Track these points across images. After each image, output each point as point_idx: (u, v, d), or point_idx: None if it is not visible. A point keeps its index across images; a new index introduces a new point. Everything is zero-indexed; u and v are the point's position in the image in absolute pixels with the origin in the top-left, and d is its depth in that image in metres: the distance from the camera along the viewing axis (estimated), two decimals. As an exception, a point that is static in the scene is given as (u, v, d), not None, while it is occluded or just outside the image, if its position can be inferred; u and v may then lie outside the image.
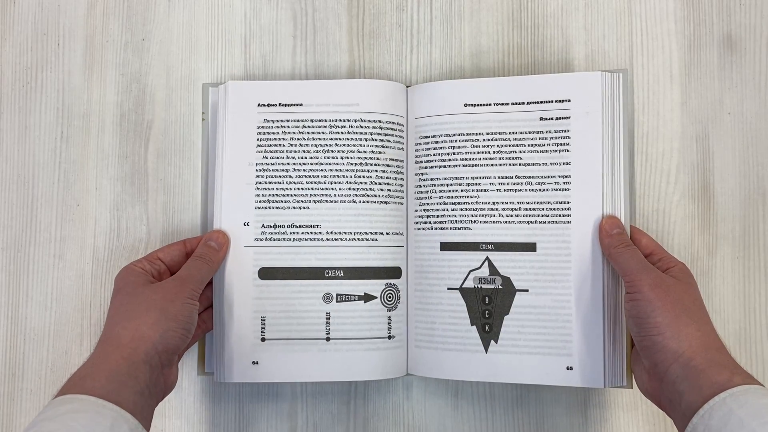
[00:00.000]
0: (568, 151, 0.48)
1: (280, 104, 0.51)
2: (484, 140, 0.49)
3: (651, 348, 0.41)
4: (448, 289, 0.49)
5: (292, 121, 0.51)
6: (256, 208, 0.50)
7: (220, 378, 0.49)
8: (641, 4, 0.54)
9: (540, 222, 0.48)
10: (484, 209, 0.49)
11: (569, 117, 0.48)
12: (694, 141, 0.53)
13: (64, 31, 0.56)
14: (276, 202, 0.50)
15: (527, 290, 0.48)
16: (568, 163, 0.48)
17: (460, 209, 0.49)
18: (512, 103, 0.49)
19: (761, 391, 0.37)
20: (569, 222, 0.48)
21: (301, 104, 0.51)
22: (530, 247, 0.48)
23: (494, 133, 0.49)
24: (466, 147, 0.49)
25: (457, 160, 0.49)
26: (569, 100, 0.48)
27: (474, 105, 0.50)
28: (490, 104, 0.50)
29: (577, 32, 0.54)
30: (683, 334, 0.41)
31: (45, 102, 0.56)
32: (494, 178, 0.49)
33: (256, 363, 0.49)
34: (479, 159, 0.49)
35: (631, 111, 0.51)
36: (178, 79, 0.55)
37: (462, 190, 0.49)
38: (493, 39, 0.54)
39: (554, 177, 0.48)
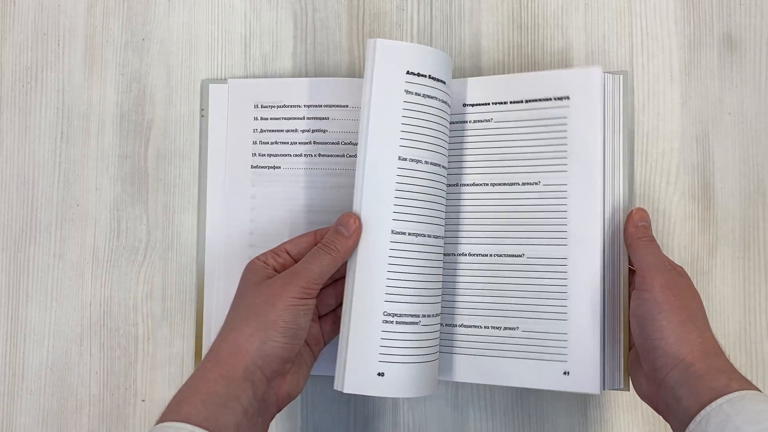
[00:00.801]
0: (565, 150, 0.48)
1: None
2: (481, 141, 0.49)
3: (652, 352, 0.41)
4: None
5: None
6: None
7: (339, 386, 0.43)
8: (641, 4, 0.54)
9: (537, 222, 0.48)
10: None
11: (566, 116, 0.48)
12: (694, 141, 0.53)
13: (64, 31, 0.56)
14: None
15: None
16: (565, 162, 0.48)
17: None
18: (510, 102, 0.49)
19: (758, 397, 0.36)
20: (566, 224, 0.48)
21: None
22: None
23: (492, 133, 0.49)
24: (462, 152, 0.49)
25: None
26: (568, 97, 0.48)
27: (472, 105, 0.50)
28: (489, 104, 0.49)
29: (577, 32, 0.54)
30: (686, 340, 0.40)
31: (45, 102, 0.56)
32: (488, 176, 0.49)
33: (382, 374, 0.42)
34: (473, 160, 0.49)
35: (631, 113, 0.51)
36: (178, 78, 0.55)
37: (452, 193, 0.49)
38: (493, 39, 0.54)
39: (552, 175, 0.48)
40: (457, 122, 0.50)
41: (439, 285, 0.46)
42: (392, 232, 0.43)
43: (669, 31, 0.53)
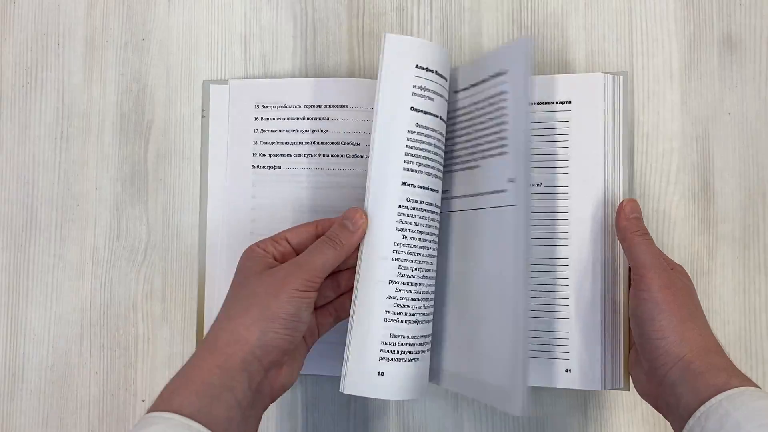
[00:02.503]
0: (567, 152, 0.48)
1: (437, 72, 0.45)
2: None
3: (653, 351, 0.41)
4: None
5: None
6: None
7: (344, 388, 0.42)
8: (641, 4, 0.54)
9: (538, 223, 0.48)
10: None
11: (569, 120, 0.48)
12: (694, 141, 0.53)
13: (64, 31, 0.56)
14: None
15: None
16: (567, 164, 0.48)
17: None
18: None
19: (757, 393, 0.37)
20: (568, 225, 0.48)
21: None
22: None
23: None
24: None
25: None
26: (570, 102, 0.48)
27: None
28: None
29: (577, 32, 0.54)
30: (686, 338, 0.40)
31: (45, 102, 0.56)
32: None
33: (382, 374, 0.42)
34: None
35: (631, 113, 0.51)
36: (178, 79, 0.55)
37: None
38: (493, 39, 0.54)
39: (554, 176, 0.48)
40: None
41: (433, 285, 0.46)
42: (396, 229, 0.42)
43: (669, 31, 0.53)
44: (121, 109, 0.55)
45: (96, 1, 0.56)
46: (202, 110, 0.53)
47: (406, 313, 0.42)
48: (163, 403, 0.35)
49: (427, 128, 0.43)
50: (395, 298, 0.42)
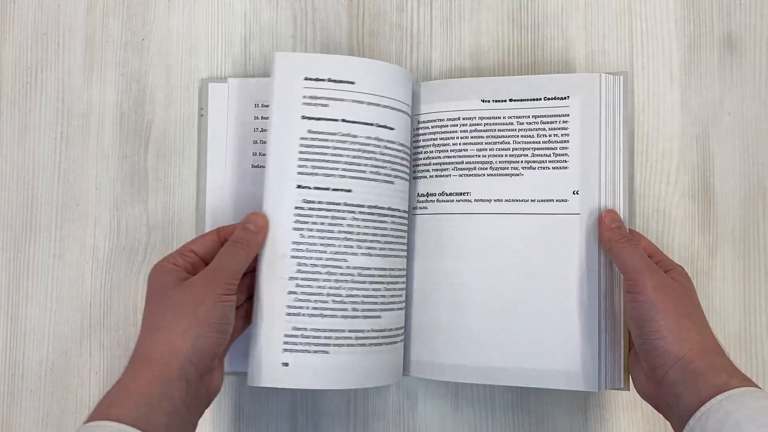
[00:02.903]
0: (566, 151, 0.48)
1: (329, 80, 0.46)
2: (483, 141, 0.49)
3: (652, 351, 0.41)
4: None
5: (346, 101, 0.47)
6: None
7: (252, 381, 0.44)
8: (641, 4, 0.54)
9: (536, 223, 0.48)
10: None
11: (568, 119, 0.48)
12: (694, 141, 0.53)
13: (64, 31, 0.56)
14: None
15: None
16: (566, 163, 0.48)
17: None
18: (510, 100, 0.49)
19: (758, 394, 0.36)
20: (566, 224, 0.48)
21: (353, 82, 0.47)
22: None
23: (492, 133, 0.49)
24: (465, 149, 0.49)
25: (449, 168, 0.50)
26: (567, 97, 0.48)
27: (485, 101, 0.50)
28: (489, 101, 0.49)
29: (577, 32, 0.54)
30: (684, 338, 0.40)
31: (45, 102, 0.56)
32: (490, 177, 0.49)
33: (286, 365, 0.44)
34: (474, 161, 0.49)
35: (631, 113, 0.51)
36: (178, 79, 0.55)
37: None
38: (493, 39, 0.54)
39: (552, 174, 0.48)
40: (462, 118, 0.50)
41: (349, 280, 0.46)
42: (293, 229, 0.45)
43: (669, 31, 0.53)
44: (120, 109, 0.55)
45: (96, 1, 0.56)
46: (200, 109, 0.53)
47: (308, 307, 0.44)
48: (100, 414, 0.35)
49: (324, 132, 0.45)
50: (296, 293, 0.44)
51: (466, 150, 0.49)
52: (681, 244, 0.52)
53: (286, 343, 0.44)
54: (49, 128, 0.55)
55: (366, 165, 0.46)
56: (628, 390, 0.47)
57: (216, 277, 0.41)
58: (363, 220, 0.46)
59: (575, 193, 0.47)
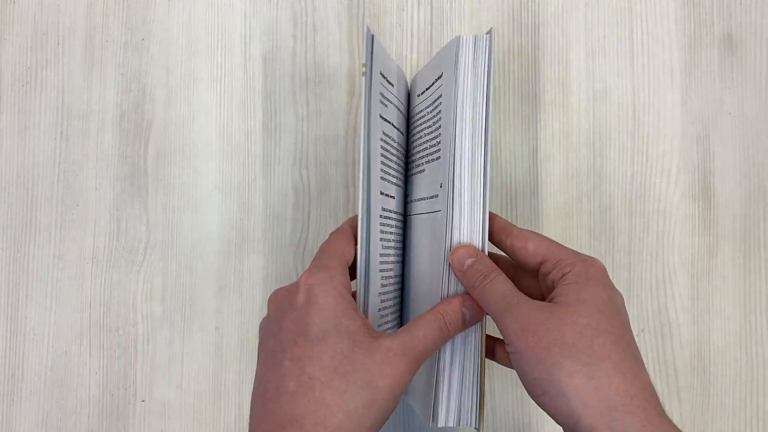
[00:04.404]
0: (438, 138, 0.40)
1: (388, 80, 0.42)
2: (413, 140, 0.45)
3: (547, 411, 0.32)
4: None
5: None
6: None
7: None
8: (641, 4, 0.54)
9: (428, 224, 0.41)
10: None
11: (440, 99, 0.40)
12: (694, 141, 0.53)
13: (64, 31, 0.56)
14: None
15: None
16: (438, 153, 0.39)
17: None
18: (424, 91, 0.44)
19: None
20: (439, 223, 0.38)
21: None
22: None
23: (415, 129, 0.45)
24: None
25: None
26: (441, 75, 0.40)
27: (419, 95, 0.45)
28: (420, 94, 0.45)
29: (577, 32, 0.54)
30: (569, 388, 0.30)
31: (45, 102, 0.56)
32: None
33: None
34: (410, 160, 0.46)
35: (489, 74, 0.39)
36: (178, 78, 0.55)
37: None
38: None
39: (433, 166, 0.41)
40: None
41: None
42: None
43: (669, 30, 0.53)
44: (121, 109, 0.55)
45: (96, 1, 0.56)
46: (363, 64, 0.40)
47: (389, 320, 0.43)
48: None
49: (386, 135, 0.42)
50: (385, 308, 0.42)
51: (411, 148, 0.46)
52: (681, 244, 0.52)
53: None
54: (49, 128, 0.55)
55: (397, 170, 0.44)
56: (481, 430, 0.38)
57: (417, 359, 0.32)
58: (396, 227, 0.44)
59: (440, 186, 0.38)
